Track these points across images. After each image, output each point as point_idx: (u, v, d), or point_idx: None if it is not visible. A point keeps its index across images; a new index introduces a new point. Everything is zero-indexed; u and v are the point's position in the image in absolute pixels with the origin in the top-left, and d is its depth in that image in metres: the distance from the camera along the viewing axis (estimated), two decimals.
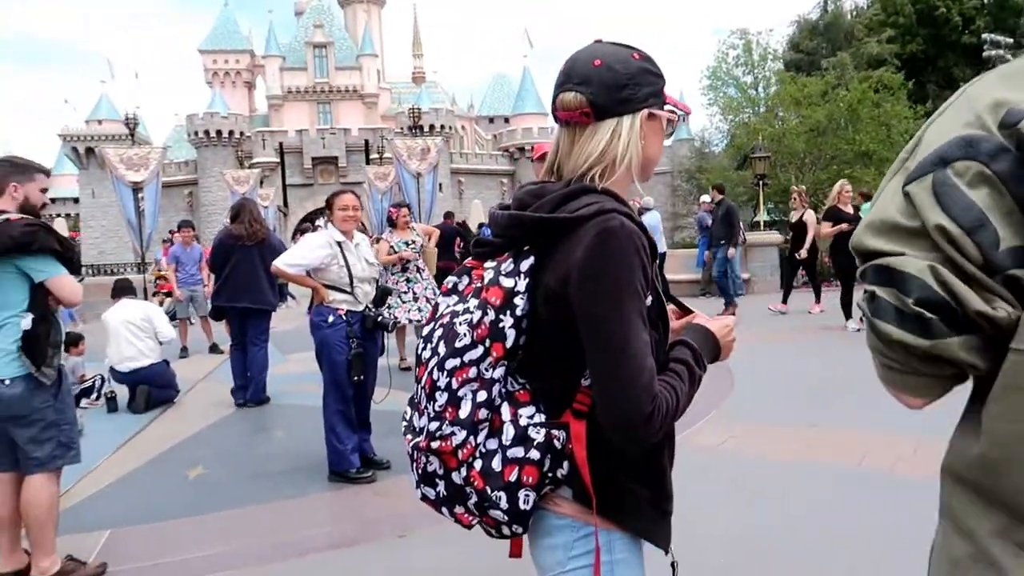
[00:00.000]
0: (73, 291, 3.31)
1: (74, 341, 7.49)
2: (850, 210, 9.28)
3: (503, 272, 1.30)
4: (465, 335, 1.27)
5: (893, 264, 0.85)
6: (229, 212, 7.89)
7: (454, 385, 1.27)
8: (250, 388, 7.09)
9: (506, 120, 61.97)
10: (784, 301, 11.15)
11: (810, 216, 10.84)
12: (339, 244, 4.68)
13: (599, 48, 1.34)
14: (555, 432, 1.27)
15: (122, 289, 7.66)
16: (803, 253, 10.78)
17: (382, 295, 4.86)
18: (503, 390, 1.30)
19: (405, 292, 8.00)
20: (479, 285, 1.32)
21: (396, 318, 7.85)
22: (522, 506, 1.26)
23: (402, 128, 48.67)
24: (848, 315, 9.23)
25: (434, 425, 1.29)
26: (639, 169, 1.34)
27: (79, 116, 54.74)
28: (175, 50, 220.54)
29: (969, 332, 0.81)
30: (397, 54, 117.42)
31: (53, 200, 65.43)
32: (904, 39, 37.91)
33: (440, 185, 32.54)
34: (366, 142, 49.58)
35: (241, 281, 7.00)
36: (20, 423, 3.23)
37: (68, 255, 3.30)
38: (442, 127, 51.47)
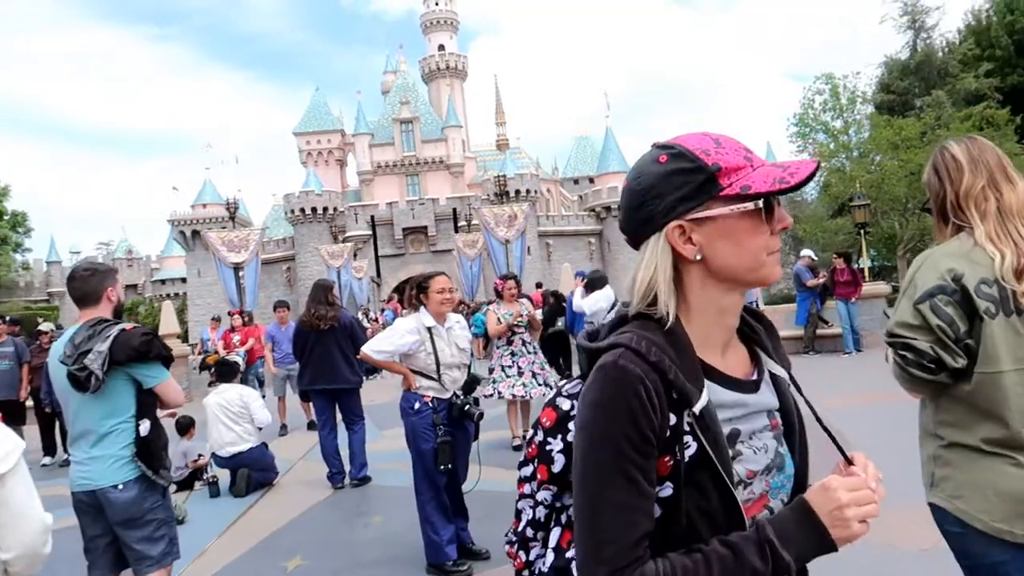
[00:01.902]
0: (178, 393, 3.45)
1: (188, 426, 7.68)
2: None
3: (564, 393, 1.22)
4: (524, 449, 1.25)
5: (913, 343, 1.86)
6: None
7: (516, 496, 1.28)
8: (351, 467, 7.11)
9: (591, 180, 62.31)
10: None
11: None
12: (429, 329, 4.58)
13: (636, 161, 1.17)
14: None
15: (225, 374, 7.85)
16: None
17: (471, 383, 4.69)
18: (564, 515, 1.23)
19: (509, 366, 7.79)
20: None
21: (499, 393, 7.70)
22: None
23: (488, 195, 49.70)
24: None
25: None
26: (703, 289, 1.11)
27: (186, 201, 58.38)
28: (273, 133, 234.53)
29: (947, 370, 1.83)
30: (480, 123, 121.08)
31: (163, 281, 69.90)
32: (1004, 72, 36.10)
33: (528, 248, 32.74)
34: (454, 211, 50.76)
35: (318, 364, 7.15)
36: (133, 525, 3.26)
37: (171, 358, 3.42)
38: (528, 192, 52.20)
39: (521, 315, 7.77)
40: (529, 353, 7.86)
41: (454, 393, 4.57)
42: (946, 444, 1.94)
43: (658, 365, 1.03)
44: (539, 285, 15.58)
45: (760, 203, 1.06)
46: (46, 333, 10.01)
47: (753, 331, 1.23)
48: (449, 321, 4.75)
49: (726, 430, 1.09)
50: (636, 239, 1.14)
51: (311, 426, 10.81)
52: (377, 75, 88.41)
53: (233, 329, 12.95)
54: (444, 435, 4.40)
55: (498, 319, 7.74)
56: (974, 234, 1.85)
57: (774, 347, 1.23)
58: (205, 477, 7.35)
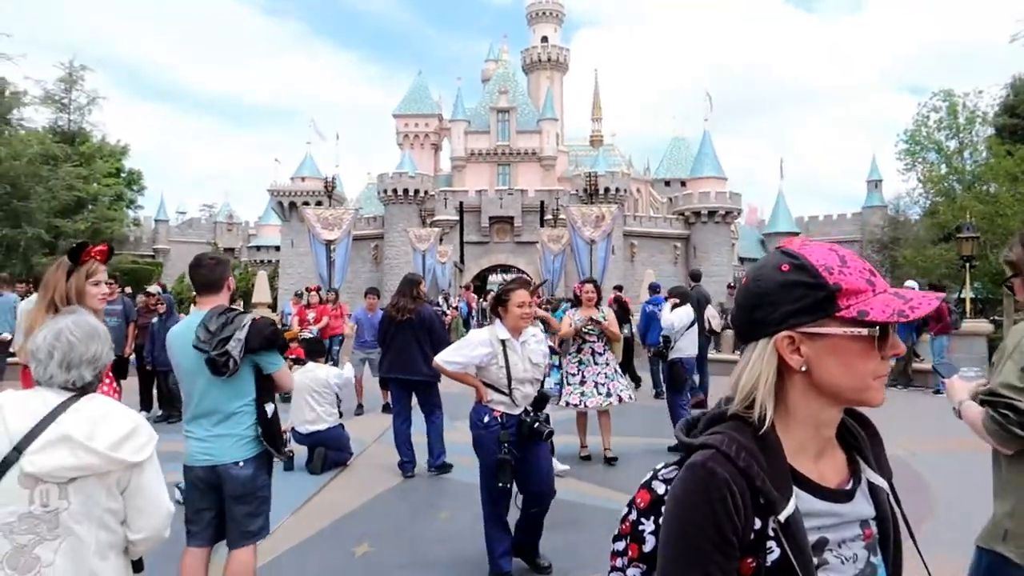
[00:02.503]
0: (290, 380, 3.73)
1: None
2: None
3: (659, 476, 1.22)
4: (618, 525, 1.27)
5: (1017, 404, 2.05)
6: None
7: (609, 566, 1.28)
8: (429, 456, 7.36)
9: (682, 183, 61.25)
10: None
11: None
12: (503, 342, 4.53)
13: (759, 262, 1.19)
14: None
15: (312, 352, 8.16)
16: None
17: (541, 400, 4.63)
18: None
19: (574, 375, 7.77)
20: None
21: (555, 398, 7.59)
22: None
23: (577, 190, 49.49)
24: None
25: None
26: (804, 399, 1.13)
27: (285, 173, 60.24)
28: (372, 112, 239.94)
29: None
30: (576, 116, 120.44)
31: (259, 248, 72.70)
32: None
33: (612, 248, 32.53)
34: (542, 203, 50.81)
35: (396, 354, 7.39)
36: (245, 500, 3.49)
37: (287, 347, 3.68)
38: (617, 190, 51.75)
39: (593, 321, 7.63)
40: (597, 364, 7.74)
41: (525, 409, 4.54)
42: None
43: (746, 471, 1.06)
44: (619, 288, 15.42)
45: (876, 330, 1.08)
46: (153, 295, 10.62)
47: (855, 437, 1.24)
48: (524, 335, 4.66)
49: (813, 538, 1.11)
50: (745, 337, 1.17)
51: (386, 408, 11.12)
52: (478, 62, 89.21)
53: (309, 305, 12.89)
54: (506, 453, 4.35)
55: (571, 323, 7.71)
56: None
57: (876, 456, 1.23)
58: (284, 450, 7.65)
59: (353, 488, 6.83)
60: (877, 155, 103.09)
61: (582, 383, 7.70)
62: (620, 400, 7.73)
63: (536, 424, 4.47)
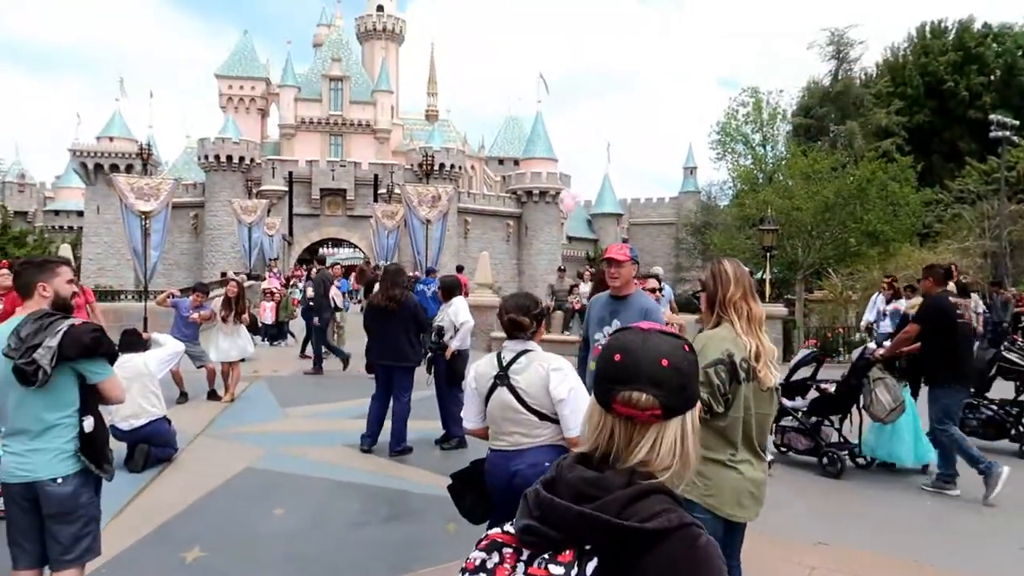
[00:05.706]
0: (120, 391, 3.51)
1: None
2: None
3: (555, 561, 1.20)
4: None
5: None
6: None
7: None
8: (391, 439, 7.56)
9: (516, 163, 62.47)
10: None
11: None
12: None
13: (659, 345, 1.31)
14: None
15: (129, 344, 7.58)
16: None
17: None
18: None
19: None
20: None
21: None
22: None
23: (412, 165, 49.13)
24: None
25: None
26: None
27: (90, 131, 54.82)
28: (191, 71, 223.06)
29: (711, 413, 2.91)
30: (412, 90, 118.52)
31: (57, 212, 65.98)
32: (912, 110, 38.75)
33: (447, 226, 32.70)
34: (375, 177, 50.00)
35: (387, 342, 7.81)
36: (65, 520, 3.28)
37: (116, 355, 3.51)
38: (452, 167, 51.92)
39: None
40: None
41: None
42: (702, 459, 2.88)
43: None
44: (459, 269, 15.62)
45: None
46: None
47: None
48: None
49: None
50: (670, 412, 1.29)
51: (211, 396, 10.59)
52: (308, 25, 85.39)
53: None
54: None
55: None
56: (735, 328, 2.99)
57: None
58: (106, 466, 7.12)
59: (179, 486, 6.50)
60: (693, 143, 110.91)
61: None
62: None
63: None
